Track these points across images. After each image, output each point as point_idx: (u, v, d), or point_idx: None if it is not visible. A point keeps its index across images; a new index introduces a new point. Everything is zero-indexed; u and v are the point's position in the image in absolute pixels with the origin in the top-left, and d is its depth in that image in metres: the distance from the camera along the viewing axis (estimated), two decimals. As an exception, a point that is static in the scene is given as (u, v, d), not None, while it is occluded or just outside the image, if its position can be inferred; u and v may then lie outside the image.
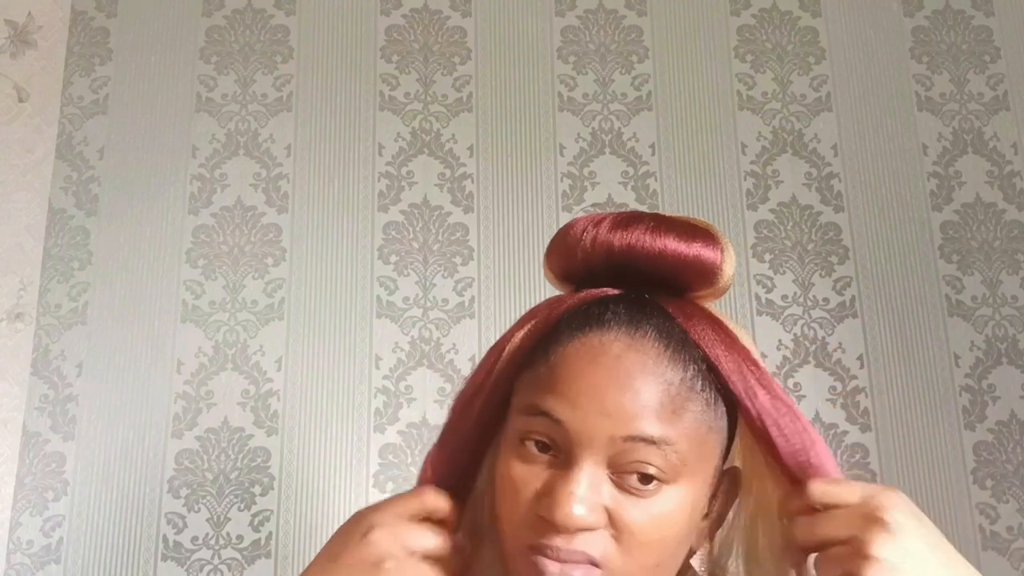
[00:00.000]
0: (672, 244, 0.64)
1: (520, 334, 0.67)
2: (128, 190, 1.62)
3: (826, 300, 1.58)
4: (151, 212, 1.61)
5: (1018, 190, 1.64)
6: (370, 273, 1.58)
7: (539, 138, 1.66)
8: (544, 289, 1.57)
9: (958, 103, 1.69)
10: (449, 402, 0.70)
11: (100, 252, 1.59)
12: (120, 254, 1.59)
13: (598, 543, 0.59)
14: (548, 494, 0.60)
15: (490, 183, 1.63)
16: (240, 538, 1.45)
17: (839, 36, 1.73)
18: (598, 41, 1.72)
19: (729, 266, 0.66)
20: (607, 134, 1.66)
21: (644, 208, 1.62)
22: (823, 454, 0.61)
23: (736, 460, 0.68)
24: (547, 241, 0.70)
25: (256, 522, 1.46)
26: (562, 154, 1.65)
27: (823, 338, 1.56)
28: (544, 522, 0.59)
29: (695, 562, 0.68)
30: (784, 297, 1.58)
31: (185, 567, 1.44)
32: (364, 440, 1.50)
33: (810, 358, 1.55)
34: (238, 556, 1.45)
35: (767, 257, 1.60)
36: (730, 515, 0.67)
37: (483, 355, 0.69)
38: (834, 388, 1.54)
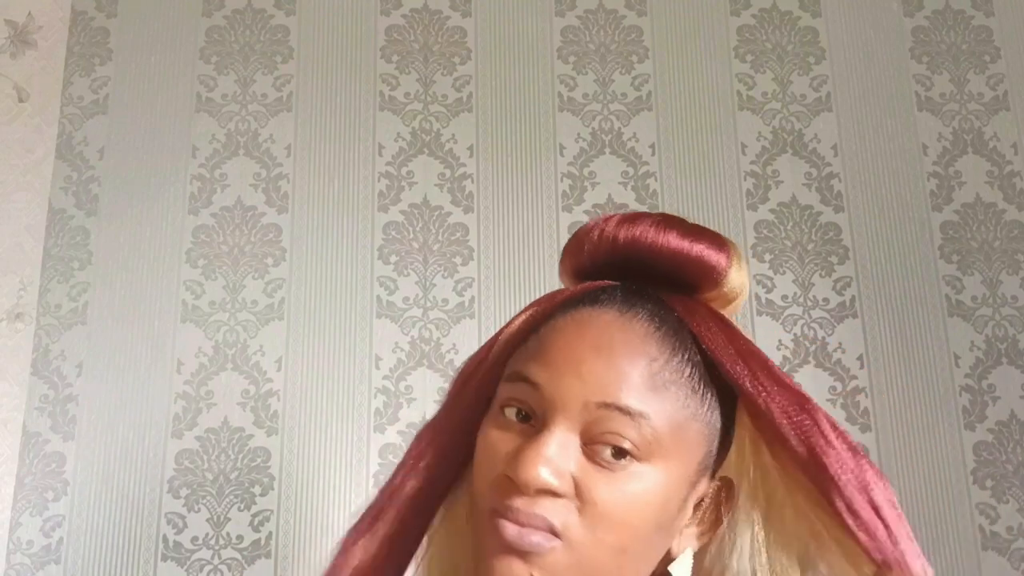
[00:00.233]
0: (675, 240, 0.64)
1: (519, 320, 0.68)
2: (128, 190, 1.62)
3: (826, 300, 1.58)
4: (151, 212, 1.61)
5: (1018, 190, 1.64)
6: (370, 273, 1.58)
7: (539, 138, 1.66)
8: (544, 288, 1.57)
9: (958, 103, 1.69)
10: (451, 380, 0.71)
11: (100, 252, 1.59)
12: (120, 254, 1.59)
13: (560, 512, 0.57)
14: (516, 454, 0.59)
15: (490, 183, 1.63)
16: (240, 538, 1.45)
17: (839, 36, 1.73)
18: (598, 41, 1.72)
19: (737, 273, 0.65)
20: (607, 134, 1.66)
21: (644, 208, 1.62)
22: (839, 455, 0.60)
23: (730, 470, 0.66)
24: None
25: (256, 522, 1.46)
26: (562, 154, 1.65)
27: (823, 338, 1.56)
28: (508, 483, 0.58)
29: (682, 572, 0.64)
30: (784, 297, 1.58)
31: (185, 567, 1.44)
32: (364, 440, 1.50)
33: (810, 358, 1.55)
34: (238, 556, 1.45)
35: (767, 257, 1.60)
36: (723, 527, 0.65)
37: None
38: (834, 388, 1.54)
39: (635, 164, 1.65)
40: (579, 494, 0.58)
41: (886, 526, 0.59)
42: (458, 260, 1.59)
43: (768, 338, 1.55)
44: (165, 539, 1.45)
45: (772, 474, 0.63)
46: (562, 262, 0.71)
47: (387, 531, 0.67)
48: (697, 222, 0.67)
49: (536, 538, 0.57)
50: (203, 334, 1.55)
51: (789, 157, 1.66)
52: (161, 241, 1.60)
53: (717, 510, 0.64)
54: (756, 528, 0.64)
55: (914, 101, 1.69)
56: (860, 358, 1.55)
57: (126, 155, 1.64)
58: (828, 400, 1.53)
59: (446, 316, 1.56)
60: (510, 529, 0.57)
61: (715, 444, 0.63)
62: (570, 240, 0.69)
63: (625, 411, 0.58)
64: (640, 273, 0.65)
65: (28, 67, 1.68)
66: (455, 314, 1.56)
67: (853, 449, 0.60)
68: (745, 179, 1.64)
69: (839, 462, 0.59)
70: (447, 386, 0.70)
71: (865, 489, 0.59)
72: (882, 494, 0.59)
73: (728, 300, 0.67)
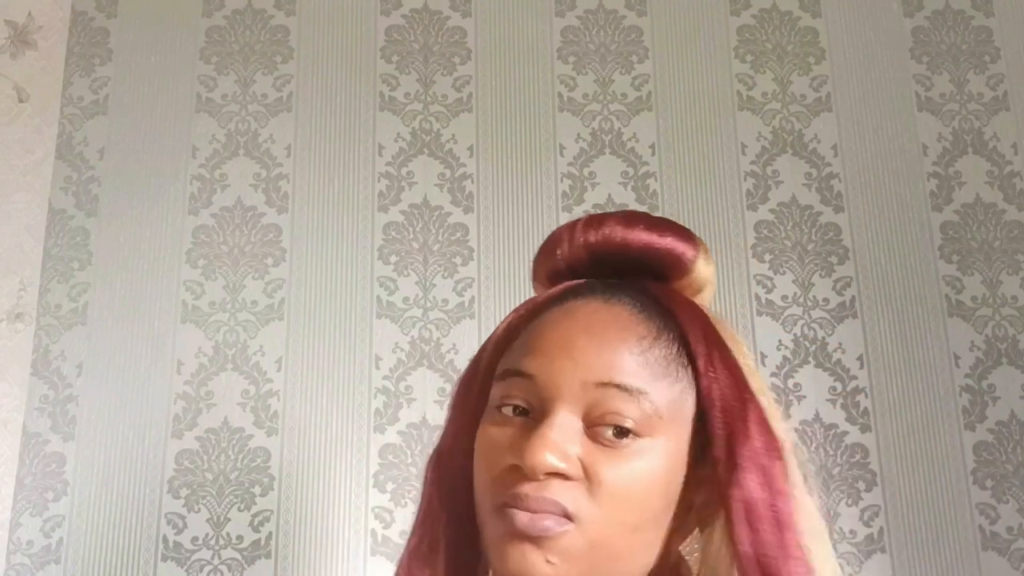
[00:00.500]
0: (643, 233, 0.66)
1: (502, 326, 0.69)
2: (128, 190, 1.62)
3: (826, 300, 1.58)
4: (151, 212, 1.61)
5: (1018, 190, 1.64)
6: (370, 273, 1.58)
7: (539, 138, 1.66)
8: (544, 289, 1.57)
9: (958, 103, 1.69)
10: (447, 403, 0.72)
11: (100, 252, 1.59)
12: (120, 254, 1.59)
13: (571, 495, 0.58)
14: (520, 443, 0.59)
15: (490, 183, 1.63)
16: (240, 538, 1.45)
17: (839, 36, 1.73)
18: (598, 41, 1.72)
19: (705, 262, 0.67)
20: (607, 134, 1.66)
21: (645, 208, 1.62)
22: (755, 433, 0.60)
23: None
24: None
25: (256, 522, 1.46)
26: (562, 154, 1.65)
27: (823, 338, 1.56)
28: (515, 472, 0.58)
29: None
30: (784, 297, 1.58)
31: (185, 567, 1.44)
32: (364, 440, 1.50)
33: (810, 358, 1.55)
34: (238, 556, 1.45)
35: (767, 257, 1.60)
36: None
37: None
38: (834, 388, 1.54)
39: (635, 164, 1.65)
40: (587, 475, 0.58)
41: (774, 539, 0.58)
42: (458, 260, 1.59)
43: (768, 338, 1.55)
44: (165, 539, 1.45)
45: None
46: (535, 270, 0.72)
47: (446, 556, 0.66)
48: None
49: (548, 522, 0.57)
50: (203, 334, 1.55)
51: (789, 157, 1.66)
52: (161, 241, 1.60)
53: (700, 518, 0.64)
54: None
55: (914, 101, 1.69)
56: (860, 358, 1.55)
57: (126, 155, 1.64)
58: (828, 400, 1.53)
59: (446, 316, 1.56)
60: (521, 516, 0.57)
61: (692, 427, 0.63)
62: (541, 248, 0.71)
63: (624, 388, 0.59)
64: (613, 269, 0.67)
65: (28, 67, 1.68)
66: (455, 314, 1.56)
67: (771, 449, 0.60)
68: (745, 179, 1.64)
69: (750, 454, 0.59)
70: (448, 403, 0.70)
71: (765, 500, 0.59)
72: (783, 504, 0.59)
73: (696, 290, 0.68)
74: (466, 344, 1.54)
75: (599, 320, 0.62)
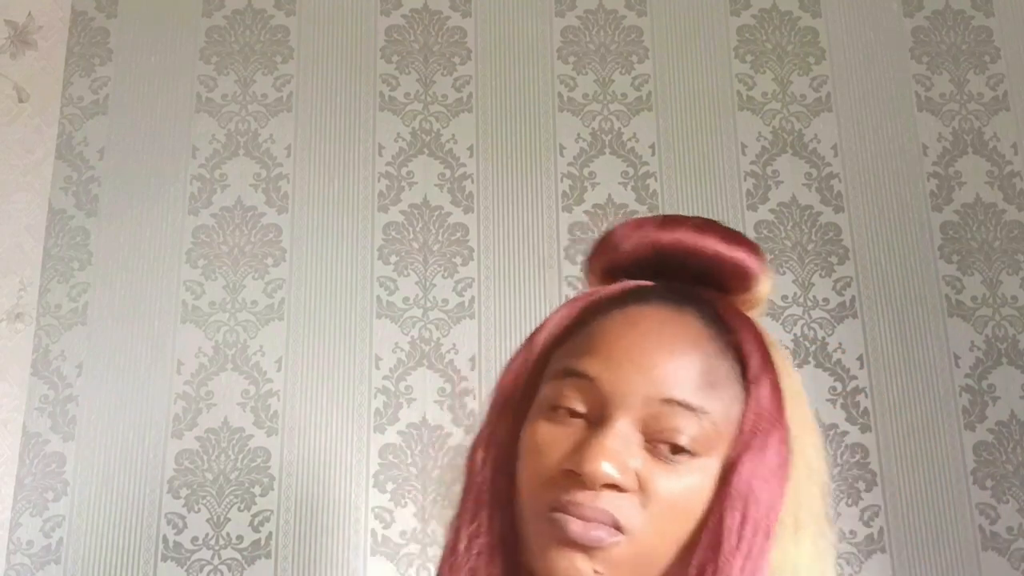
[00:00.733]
0: (716, 243, 0.66)
1: (556, 318, 0.68)
2: (128, 190, 1.62)
3: (826, 300, 1.58)
4: (151, 212, 1.61)
5: (1018, 190, 1.64)
6: (370, 273, 1.58)
7: (539, 138, 1.66)
8: (544, 288, 1.57)
9: (958, 103, 1.69)
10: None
11: (100, 252, 1.59)
12: (120, 254, 1.59)
13: (625, 507, 0.58)
14: (578, 449, 0.58)
15: (490, 183, 1.63)
16: (240, 538, 1.45)
17: (839, 36, 1.73)
18: (598, 41, 1.72)
19: (768, 280, 0.67)
20: (607, 134, 1.66)
21: (644, 209, 1.62)
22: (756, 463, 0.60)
23: None
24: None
25: (256, 522, 1.46)
26: (562, 154, 1.65)
27: (823, 338, 1.56)
28: (570, 478, 0.58)
29: None
30: (784, 297, 1.58)
31: (185, 567, 1.44)
32: (364, 440, 1.50)
33: (810, 358, 1.55)
34: (238, 556, 1.45)
35: (767, 257, 1.60)
36: None
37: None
38: (834, 388, 1.54)
39: (635, 164, 1.65)
40: (641, 488, 0.58)
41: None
42: (458, 260, 1.59)
43: (768, 338, 1.55)
44: (165, 539, 1.45)
45: None
46: (590, 263, 0.71)
47: (503, 551, 0.65)
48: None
49: (600, 533, 0.57)
50: (203, 334, 1.55)
51: (789, 157, 1.66)
52: (161, 241, 1.60)
53: None
54: None
55: (914, 101, 1.69)
56: (860, 358, 1.55)
57: (126, 155, 1.64)
58: (828, 400, 1.53)
59: (446, 316, 1.56)
60: (575, 524, 0.57)
61: None
62: (601, 241, 0.70)
63: (687, 407, 0.59)
64: (676, 274, 0.67)
65: (28, 67, 1.68)
66: (455, 314, 1.56)
67: (773, 469, 0.60)
68: (745, 179, 1.64)
69: (752, 476, 0.59)
70: (494, 391, 0.69)
71: (744, 513, 0.59)
72: (758, 522, 0.59)
73: (753, 305, 0.69)
74: (466, 344, 1.54)
75: (668, 332, 0.61)
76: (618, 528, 0.57)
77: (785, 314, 1.57)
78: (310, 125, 1.66)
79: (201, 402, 1.51)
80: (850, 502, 1.48)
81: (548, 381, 0.64)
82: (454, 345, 1.55)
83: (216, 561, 1.44)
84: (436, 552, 1.44)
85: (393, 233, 1.61)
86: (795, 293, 1.58)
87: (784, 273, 1.59)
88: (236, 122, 1.66)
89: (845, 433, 1.51)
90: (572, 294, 1.56)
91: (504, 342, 1.54)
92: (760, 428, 0.61)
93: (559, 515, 0.58)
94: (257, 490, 1.48)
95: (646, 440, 0.59)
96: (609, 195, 1.63)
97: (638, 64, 1.71)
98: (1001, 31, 1.73)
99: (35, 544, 1.45)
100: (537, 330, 0.68)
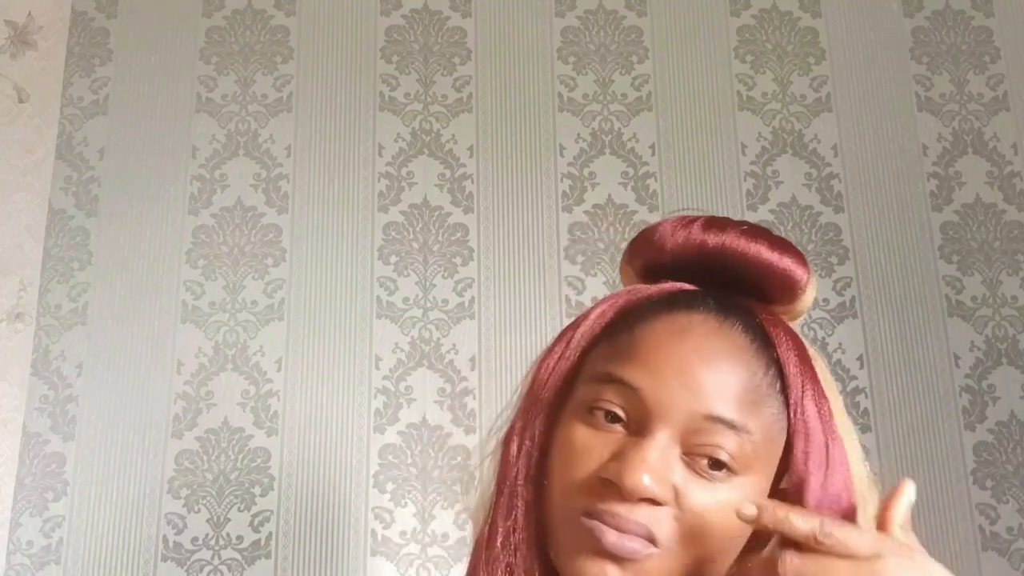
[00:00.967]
0: (765, 251, 0.65)
1: (594, 315, 0.67)
2: (128, 191, 1.62)
3: (826, 300, 1.58)
4: (151, 213, 1.61)
5: (1018, 191, 1.64)
6: (370, 273, 1.58)
7: (539, 138, 1.66)
8: (544, 288, 1.57)
9: (958, 104, 1.69)
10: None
11: (100, 252, 1.59)
12: (120, 254, 1.59)
13: (661, 520, 0.58)
14: (617, 459, 0.58)
15: (490, 183, 1.63)
16: (240, 538, 1.45)
17: (839, 37, 1.73)
18: (598, 42, 1.72)
19: (811, 291, 0.66)
20: (607, 134, 1.66)
21: (645, 209, 1.62)
22: (837, 493, 0.60)
23: (787, 481, 0.67)
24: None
25: (256, 522, 1.46)
26: (562, 154, 1.65)
27: (823, 338, 1.56)
28: (607, 487, 0.58)
29: None
30: (784, 297, 1.58)
31: (185, 568, 1.44)
32: (364, 440, 1.50)
33: (810, 358, 1.55)
34: (238, 556, 1.45)
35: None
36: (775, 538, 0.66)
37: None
38: (834, 388, 1.53)
39: (635, 164, 1.65)
40: (678, 502, 0.58)
41: None
42: (458, 260, 1.59)
43: (768, 338, 1.55)
44: (165, 540, 1.45)
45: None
46: (629, 259, 0.70)
47: (538, 544, 0.64)
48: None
49: (635, 544, 0.57)
50: (203, 334, 1.55)
51: (789, 157, 1.66)
52: (161, 241, 1.60)
53: None
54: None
55: (914, 102, 1.69)
56: (860, 358, 1.55)
57: (126, 155, 1.64)
58: (828, 400, 1.53)
59: (446, 316, 1.56)
60: (610, 535, 0.57)
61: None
62: (642, 237, 0.69)
63: (730, 424, 0.59)
64: (717, 277, 0.66)
65: (28, 67, 1.68)
66: (455, 314, 1.56)
67: (841, 496, 0.60)
68: (745, 179, 1.64)
69: (822, 500, 0.59)
70: (522, 387, 0.68)
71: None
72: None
73: (796, 315, 0.68)
74: (466, 344, 1.54)
75: (714, 346, 0.61)
76: (652, 541, 0.57)
77: (785, 314, 1.57)
78: (310, 125, 1.66)
79: (201, 402, 1.51)
80: (850, 502, 1.48)
81: (587, 382, 0.63)
82: (454, 345, 1.55)
83: (216, 561, 1.44)
84: (436, 552, 1.44)
85: (393, 233, 1.61)
86: (795, 293, 1.58)
87: (784, 273, 1.59)
88: (236, 122, 1.66)
89: (845, 433, 1.51)
90: (572, 294, 1.57)
91: (504, 342, 1.54)
92: (812, 451, 0.60)
93: (594, 523, 0.58)
94: (257, 490, 1.48)
95: (684, 453, 0.59)
96: (609, 195, 1.63)
97: (638, 64, 1.71)
98: (1001, 31, 1.73)
99: (35, 544, 1.45)
100: (574, 325, 0.67)
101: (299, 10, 1.72)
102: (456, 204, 1.62)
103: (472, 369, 1.53)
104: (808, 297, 0.67)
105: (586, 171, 1.64)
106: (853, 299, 1.58)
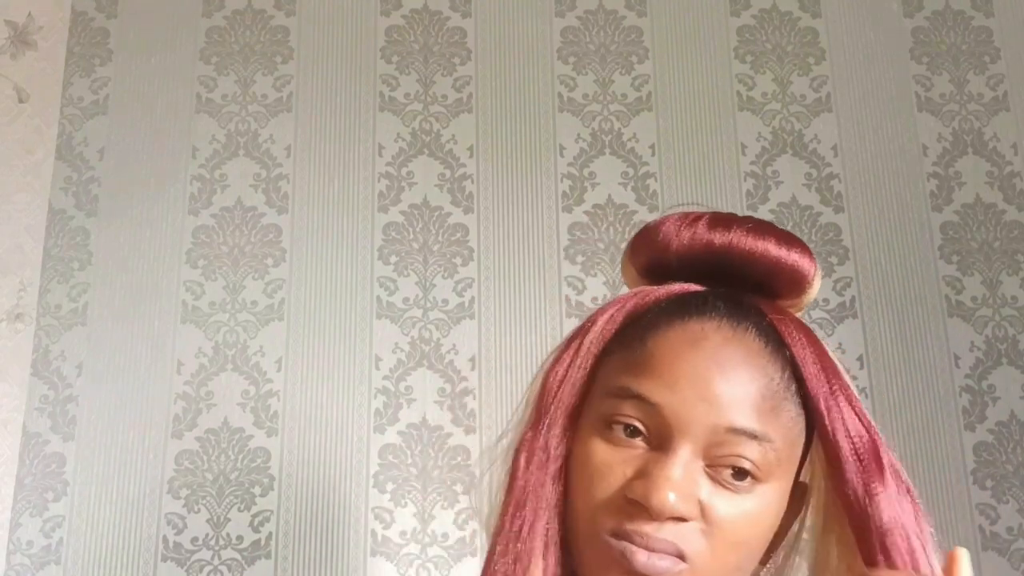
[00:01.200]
0: (772, 247, 0.65)
1: (604, 317, 0.66)
2: (128, 191, 1.62)
3: (826, 300, 1.58)
4: (151, 213, 1.61)
5: (1018, 191, 1.64)
6: (370, 274, 1.58)
7: (539, 138, 1.66)
8: (544, 288, 1.57)
9: (958, 104, 1.69)
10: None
11: (100, 253, 1.59)
12: (120, 255, 1.59)
13: (688, 536, 0.57)
14: (642, 478, 0.58)
15: (490, 183, 1.63)
16: (240, 539, 1.45)
17: (839, 37, 1.73)
18: (598, 42, 1.72)
19: (818, 283, 0.66)
20: (607, 135, 1.66)
21: (645, 209, 1.62)
22: (890, 490, 0.60)
23: (806, 475, 0.66)
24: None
25: (256, 523, 1.46)
26: (562, 154, 1.65)
27: (823, 338, 1.56)
28: (634, 507, 0.58)
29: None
30: (784, 297, 1.58)
31: (185, 568, 1.44)
32: (364, 440, 1.50)
33: (810, 358, 1.55)
34: (238, 557, 1.45)
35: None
36: (794, 529, 0.66)
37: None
38: (834, 388, 1.53)
39: (635, 164, 1.65)
40: (704, 516, 0.58)
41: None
42: (458, 260, 1.59)
43: (768, 338, 1.55)
44: (165, 540, 1.45)
45: (830, 499, 0.63)
46: (632, 257, 0.69)
47: (555, 551, 0.64)
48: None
49: (665, 563, 0.57)
50: (203, 335, 1.55)
51: (789, 158, 1.66)
52: (161, 242, 1.60)
53: (789, 513, 0.64)
54: (823, 523, 0.64)
55: (914, 102, 1.69)
56: (860, 358, 1.55)
57: (126, 156, 1.64)
58: (828, 400, 1.53)
59: (446, 316, 1.56)
60: (640, 555, 0.57)
61: (801, 455, 0.64)
62: (645, 236, 0.68)
63: (751, 435, 0.58)
64: (724, 275, 0.65)
65: (28, 68, 1.68)
66: (455, 314, 1.56)
67: (901, 491, 0.61)
68: (745, 180, 1.64)
69: (887, 504, 0.60)
70: (530, 395, 0.67)
71: (905, 536, 0.59)
72: (919, 541, 0.59)
73: (802, 307, 0.68)
74: (466, 344, 1.54)
75: (730, 355, 0.60)
76: (682, 557, 0.57)
77: (785, 314, 1.57)
78: (310, 125, 1.66)
79: (201, 402, 1.51)
80: (850, 502, 1.48)
81: (603, 396, 0.62)
82: (454, 345, 1.55)
83: (216, 561, 1.44)
84: (436, 552, 1.44)
85: (393, 233, 1.61)
86: (795, 293, 1.58)
87: (784, 273, 1.59)
88: (236, 122, 1.66)
89: (845, 433, 1.51)
90: (572, 294, 1.57)
91: (504, 342, 1.54)
92: (861, 451, 0.61)
93: (624, 544, 0.57)
94: (257, 490, 1.48)
95: (708, 465, 0.59)
96: (609, 195, 1.63)
97: (638, 64, 1.71)
98: (1001, 31, 1.73)
99: (35, 544, 1.45)
100: (582, 331, 0.66)
101: (299, 10, 1.72)
102: (456, 204, 1.62)
103: (472, 369, 1.53)
104: (815, 289, 0.67)
105: (586, 171, 1.64)
106: (853, 299, 1.58)
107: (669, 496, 0.56)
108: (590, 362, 0.65)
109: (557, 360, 0.66)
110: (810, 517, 0.66)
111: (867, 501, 0.59)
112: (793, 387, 0.62)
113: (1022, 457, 1.50)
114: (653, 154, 1.66)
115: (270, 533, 1.46)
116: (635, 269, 0.70)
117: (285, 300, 1.57)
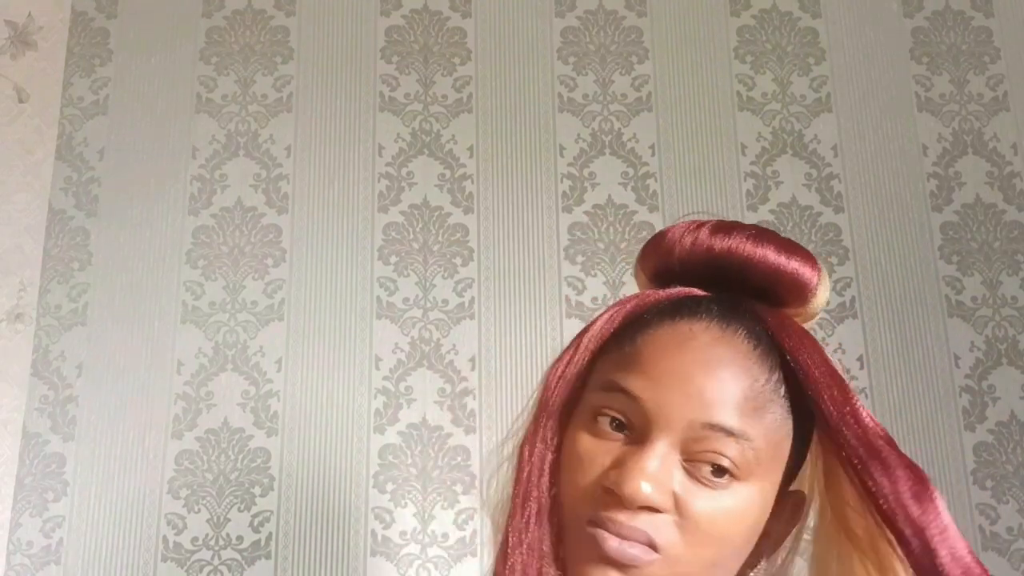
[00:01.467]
0: (772, 254, 0.65)
1: (604, 317, 0.67)
2: (128, 191, 1.62)
3: (826, 301, 1.58)
4: (151, 213, 1.61)
5: (1018, 191, 1.64)
6: (370, 274, 1.58)
7: (539, 139, 1.66)
8: (544, 288, 1.57)
9: (958, 104, 1.69)
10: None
11: (100, 253, 1.59)
12: (120, 255, 1.59)
13: (661, 527, 0.58)
14: (617, 467, 0.59)
15: (490, 184, 1.63)
16: (240, 539, 1.45)
17: (839, 37, 1.73)
18: (598, 42, 1.72)
19: (824, 291, 0.67)
20: (607, 135, 1.66)
21: (645, 209, 1.62)
22: (908, 491, 0.61)
23: (803, 483, 0.67)
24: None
25: (256, 523, 1.46)
26: (562, 155, 1.65)
27: (823, 338, 1.56)
28: (609, 495, 0.59)
29: None
30: (784, 298, 1.58)
31: (185, 568, 1.44)
32: (364, 440, 1.50)
33: (810, 359, 1.55)
34: (238, 557, 1.45)
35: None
36: (789, 540, 0.66)
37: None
38: (834, 389, 1.53)
39: (635, 165, 1.65)
40: (679, 510, 0.59)
41: (936, 564, 0.60)
42: (458, 261, 1.59)
43: (768, 339, 1.55)
44: (165, 540, 1.45)
45: (838, 504, 0.63)
46: (641, 263, 0.71)
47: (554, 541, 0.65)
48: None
49: (636, 551, 0.58)
50: (203, 335, 1.55)
51: (789, 158, 1.66)
52: (161, 242, 1.60)
53: (787, 521, 0.65)
54: (828, 531, 0.65)
55: (914, 102, 1.69)
56: (860, 358, 1.55)
57: (126, 156, 1.64)
58: (828, 401, 1.53)
59: (446, 317, 1.56)
60: (611, 541, 0.58)
61: (790, 460, 0.64)
62: (653, 242, 0.70)
63: (729, 432, 0.59)
64: (728, 282, 0.66)
65: (28, 68, 1.68)
66: (455, 315, 1.56)
67: (918, 498, 0.63)
68: (745, 180, 1.64)
69: (905, 512, 0.62)
70: (537, 394, 0.69)
71: (920, 530, 0.62)
72: (938, 534, 0.62)
73: (809, 317, 0.68)
74: (466, 345, 1.54)
75: (716, 355, 0.61)
76: (653, 547, 0.58)
77: (785, 314, 1.57)
78: (310, 126, 1.66)
79: (201, 403, 1.51)
80: (850, 502, 1.48)
81: (594, 390, 0.64)
82: (454, 346, 1.55)
83: (216, 562, 1.44)
84: (436, 552, 1.44)
85: (393, 233, 1.61)
86: (795, 293, 1.58)
87: (784, 273, 1.59)
88: (236, 122, 1.66)
89: (845, 433, 1.51)
90: (572, 294, 1.57)
91: (504, 342, 1.54)
92: (873, 447, 0.61)
93: (597, 531, 0.59)
94: (257, 491, 1.48)
95: (686, 460, 0.59)
96: (609, 196, 1.63)
97: (638, 65, 1.71)
98: (1001, 31, 1.73)
99: (35, 544, 1.45)
100: (584, 330, 0.68)
101: (299, 10, 1.72)
102: (456, 204, 1.62)
103: (472, 369, 1.53)
104: (821, 298, 0.67)
105: (586, 171, 1.64)
106: (853, 299, 1.58)
107: (642, 485, 0.57)
108: (587, 359, 0.66)
109: (560, 358, 0.68)
110: (819, 525, 0.66)
111: (883, 511, 0.61)
112: (782, 390, 0.62)
113: (1022, 457, 1.50)
114: (653, 154, 1.66)
115: (270, 533, 1.46)
116: (645, 275, 0.71)
117: (285, 300, 1.57)
